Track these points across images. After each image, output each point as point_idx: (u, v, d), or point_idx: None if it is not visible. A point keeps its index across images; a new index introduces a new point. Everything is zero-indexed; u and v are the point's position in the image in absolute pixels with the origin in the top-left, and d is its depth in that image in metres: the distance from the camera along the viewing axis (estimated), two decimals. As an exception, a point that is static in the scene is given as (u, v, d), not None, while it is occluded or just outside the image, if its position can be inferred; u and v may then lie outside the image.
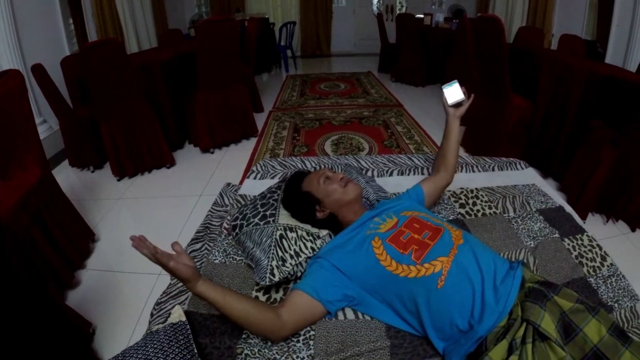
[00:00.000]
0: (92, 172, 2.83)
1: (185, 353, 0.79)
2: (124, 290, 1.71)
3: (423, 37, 4.61)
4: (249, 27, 3.62)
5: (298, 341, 0.89)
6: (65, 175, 2.80)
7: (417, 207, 1.15)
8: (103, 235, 2.07)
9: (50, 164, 2.14)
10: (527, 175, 1.76)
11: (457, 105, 1.35)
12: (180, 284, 1.16)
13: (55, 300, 1.39)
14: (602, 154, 1.91)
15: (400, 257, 0.90)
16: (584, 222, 1.95)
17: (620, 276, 1.16)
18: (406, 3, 7.39)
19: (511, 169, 1.82)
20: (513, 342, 0.76)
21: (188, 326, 0.89)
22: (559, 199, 1.57)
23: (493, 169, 1.82)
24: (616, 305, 1.05)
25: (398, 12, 7.23)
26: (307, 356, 0.85)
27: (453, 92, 1.35)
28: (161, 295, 1.18)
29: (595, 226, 2.02)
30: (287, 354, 0.86)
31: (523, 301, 0.83)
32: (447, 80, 1.43)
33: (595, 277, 1.15)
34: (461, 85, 1.35)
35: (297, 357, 0.85)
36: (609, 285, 1.12)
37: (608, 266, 1.19)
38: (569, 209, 1.49)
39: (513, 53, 2.55)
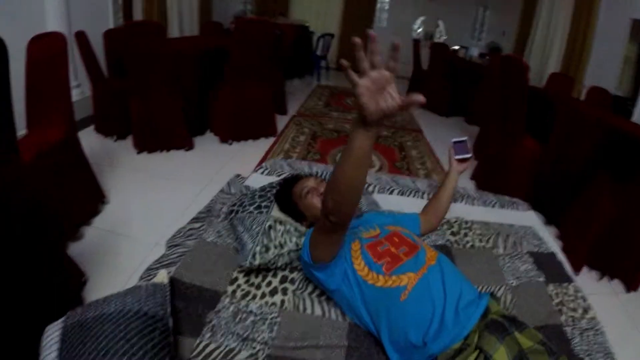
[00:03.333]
0: (115, 141, 2.98)
1: (159, 309, 0.86)
2: (121, 252, 1.81)
3: (454, 68, 4.68)
4: (286, 33, 3.76)
5: (263, 324, 0.95)
6: (89, 139, 2.93)
7: (404, 224, 1.20)
8: (113, 200, 2.19)
9: (77, 126, 2.28)
10: (526, 218, 1.77)
11: (462, 160, 1.41)
12: (174, 254, 1.24)
13: (56, 244, 1.50)
14: (601, 207, 1.91)
15: (372, 264, 0.96)
16: (577, 274, 1.95)
17: (600, 332, 1.14)
18: (446, 34, 7.48)
19: (512, 209, 1.82)
20: None
21: (168, 288, 0.96)
22: (553, 246, 1.56)
23: (494, 206, 1.83)
24: (587, 358, 1.05)
25: (436, 39, 7.32)
26: (268, 337, 0.92)
27: (462, 148, 1.42)
28: (153, 262, 1.25)
29: (588, 280, 2.00)
30: (250, 332, 0.92)
31: (482, 330, 0.84)
32: (459, 135, 1.48)
33: (572, 327, 1.14)
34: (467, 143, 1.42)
35: (259, 336, 0.92)
36: (584, 337, 1.12)
37: (589, 319, 1.18)
38: (561, 257, 1.49)
39: (534, 95, 2.59)
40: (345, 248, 1.00)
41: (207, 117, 3.30)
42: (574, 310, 1.19)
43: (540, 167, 2.30)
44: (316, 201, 1.14)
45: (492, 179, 2.59)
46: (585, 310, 1.20)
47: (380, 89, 0.63)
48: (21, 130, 1.47)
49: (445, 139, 3.92)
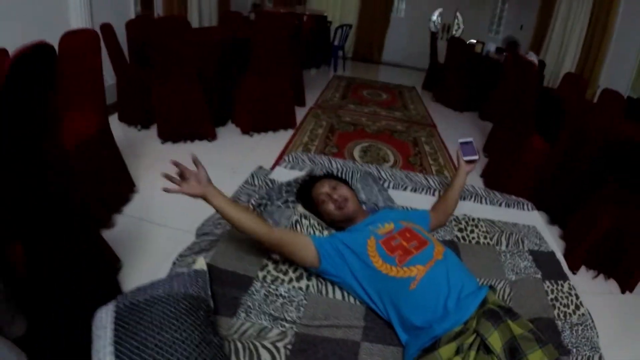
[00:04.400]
0: (139, 130, 3.11)
1: (201, 292, 0.99)
2: (152, 239, 1.95)
3: (470, 64, 4.69)
4: (305, 24, 3.83)
5: (291, 305, 1.08)
6: (113, 128, 3.03)
7: (415, 220, 1.31)
8: (141, 188, 2.33)
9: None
10: (530, 217, 1.83)
11: (471, 161, 1.48)
12: (204, 242, 1.38)
13: (94, 231, 1.64)
14: (604, 213, 1.98)
15: (386, 257, 1.08)
16: (575, 273, 2.04)
17: (589, 327, 1.21)
18: (463, 25, 7.41)
19: (517, 208, 1.89)
20: (461, 346, 0.90)
21: (207, 274, 1.09)
22: (553, 246, 1.63)
23: (500, 205, 1.89)
24: (574, 350, 1.12)
25: (454, 32, 7.27)
26: (296, 317, 1.05)
27: (468, 149, 1.48)
28: (185, 249, 1.39)
29: (585, 279, 2.08)
30: (280, 311, 1.05)
31: (480, 317, 0.95)
32: (465, 135, 1.57)
33: (563, 321, 1.21)
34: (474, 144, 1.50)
35: (288, 315, 1.05)
36: (574, 331, 1.19)
37: (580, 315, 1.25)
38: (559, 256, 1.57)
39: (546, 96, 2.64)
40: (360, 244, 1.13)
41: (229, 108, 3.41)
42: (567, 306, 1.27)
43: (547, 168, 2.36)
44: (331, 208, 1.28)
45: (500, 177, 2.67)
46: (577, 307, 1.27)
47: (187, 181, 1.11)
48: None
49: (458, 135, 3.97)
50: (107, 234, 1.91)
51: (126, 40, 3.12)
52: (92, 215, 1.87)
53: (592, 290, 1.99)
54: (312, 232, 1.26)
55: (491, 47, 4.84)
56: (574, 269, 2.05)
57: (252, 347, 0.95)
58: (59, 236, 1.23)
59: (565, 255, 2.08)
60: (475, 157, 1.48)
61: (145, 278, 1.66)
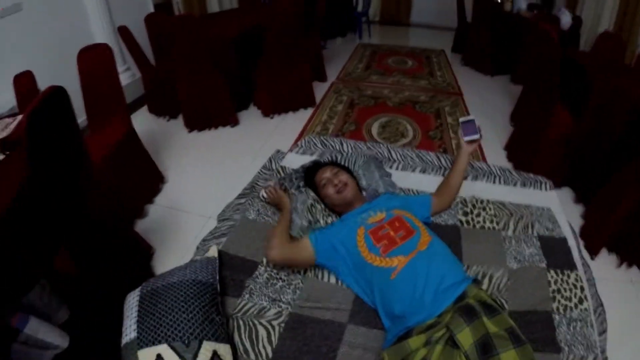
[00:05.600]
0: (168, 120, 3.32)
1: (209, 278, 1.15)
2: (180, 225, 2.16)
3: (499, 23, 4.39)
4: (320, -1, 3.77)
5: (289, 287, 1.22)
6: (144, 120, 3.28)
7: (412, 207, 1.38)
8: (170, 178, 2.54)
9: (130, 107, 2.53)
10: (546, 198, 1.75)
11: (472, 141, 1.42)
12: (224, 227, 1.53)
13: (129, 226, 1.87)
14: (630, 191, 1.84)
15: (372, 247, 1.17)
16: (593, 259, 1.92)
17: (589, 325, 1.15)
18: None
19: (534, 188, 1.81)
20: (430, 339, 0.95)
21: (217, 261, 1.25)
22: (567, 231, 1.54)
23: (515, 184, 1.82)
24: (567, 349, 1.07)
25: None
26: (291, 299, 1.19)
27: (469, 128, 1.42)
28: (207, 234, 1.56)
29: (605, 266, 1.93)
30: (279, 293, 1.20)
31: (455, 312, 0.98)
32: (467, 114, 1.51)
33: (562, 315, 1.17)
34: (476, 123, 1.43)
35: (284, 297, 1.20)
36: (571, 328, 1.13)
37: (582, 310, 1.19)
38: (572, 243, 1.47)
39: (570, 64, 2.48)
40: (349, 234, 1.23)
41: (250, 92, 3.53)
42: (569, 299, 1.22)
43: (573, 143, 2.25)
44: (331, 191, 1.38)
45: (524, 150, 2.59)
46: (581, 301, 1.21)
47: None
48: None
49: (486, 104, 3.84)
50: (140, 223, 2.15)
51: (147, 34, 3.21)
52: (128, 208, 2.10)
53: (611, 278, 1.86)
54: (320, 217, 1.39)
55: (522, 4, 4.50)
56: (594, 253, 1.96)
57: (251, 324, 1.11)
58: (97, 239, 1.44)
59: (584, 238, 2.00)
60: (476, 137, 1.41)
61: (174, 260, 1.89)
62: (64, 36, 2.90)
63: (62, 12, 2.94)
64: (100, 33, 3.21)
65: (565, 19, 3.96)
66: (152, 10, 3.83)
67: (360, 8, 6.17)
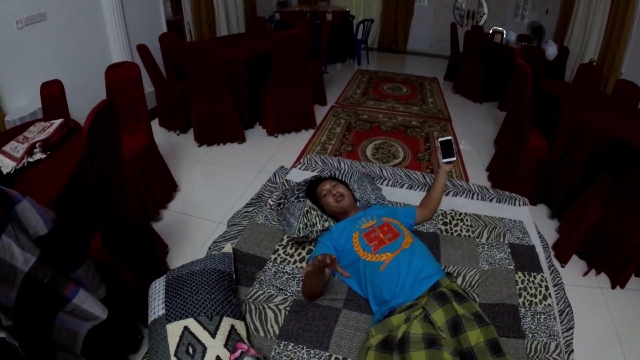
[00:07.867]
0: (178, 135, 3.57)
1: (227, 268, 1.37)
2: (192, 229, 2.37)
3: (489, 53, 4.73)
4: (324, 29, 4.10)
5: (293, 280, 1.45)
6: (155, 133, 3.41)
7: (399, 216, 1.62)
8: (182, 187, 2.77)
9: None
10: (519, 213, 1.97)
11: (448, 162, 1.64)
12: (233, 231, 1.76)
13: (148, 226, 2.08)
14: (593, 206, 2.09)
15: (365, 246, 1.41)
16: (563, 266, 2.16)
17: (552, 317, 1.31)
18: (488, 10, 7.34)
19: (509, 203, 2.04)
20: (409, 317, 1.17)
21: (232, 255, 1.48)
22: (535, 240, 1.75)
23: (491, 200, 2.06)
24: (530, 335, 1.24)
25: (480, 18, 7.24)
26: (295, 290, 1.41)
27: (447, 149, 1.63)
28: (218, 237, 1.78)
29: (576, 272, 2.12)
30: (285, 284, 1.42)
31: (430, 297, 1.19)
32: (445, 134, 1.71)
33: (526, 309, 1.34)
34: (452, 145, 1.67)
35: (289, 288, 1.42)
36: (535, 319, 1.30)
37: (545, 306, 1.36)
38: (539, 250, 1.69)
39: (544, 96, 2.79)
40: (347, 238, 1.46)
41: (257, 112, 3.80)
42: (534, 296, 1.39)
43: (547, 166, 2.50)
44: (330, 200, 1.62)
45: (503, 171, 2.85)
46: (545, 298, 1.39)
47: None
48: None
49: (473, 129, 4.11)
50: (156, 226, 2.36)
51: (160, 52, 3.49)
52: (145, 211, 2.33)
53: (581, 284, 2.05)
54: (317, 221, 1.61)
55: (511, 37, 4.85)
56: (563, 261, 2.17)
57: (261, 308, 1.33)
58: (125, 230, 1.66)
59: (556, 248, 2.24)
60: (453, 159, 1.63)
61: (187, 259, 2.11)
62: (83, 48, 3.11)
63: (83, 25, 3.17)
64: (117, 47, 3.47)
65: (551, 50, 4.28)
66: (165, 29, 4.13)
67: (360, 36, 6.56)
